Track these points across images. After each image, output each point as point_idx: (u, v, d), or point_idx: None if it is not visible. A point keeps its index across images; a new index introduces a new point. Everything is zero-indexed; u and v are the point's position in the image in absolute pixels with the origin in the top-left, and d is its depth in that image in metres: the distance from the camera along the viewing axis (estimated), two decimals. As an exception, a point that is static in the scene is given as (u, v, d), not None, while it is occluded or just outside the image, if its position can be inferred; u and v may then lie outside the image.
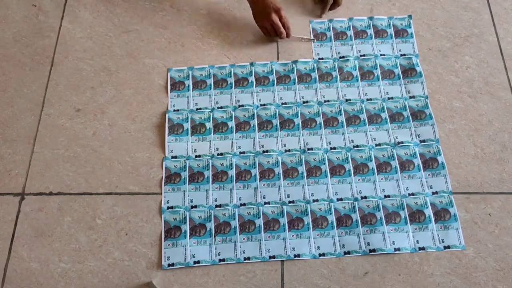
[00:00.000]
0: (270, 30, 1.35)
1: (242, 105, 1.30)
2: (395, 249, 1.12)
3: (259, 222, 1.15)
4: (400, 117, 1.28)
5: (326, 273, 1.10)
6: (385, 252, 1.11)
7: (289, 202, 1.17)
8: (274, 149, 1.24)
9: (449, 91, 1.32)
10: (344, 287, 1.09)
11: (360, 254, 1.12)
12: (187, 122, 1.28)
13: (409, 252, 1.12)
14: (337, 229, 1.14)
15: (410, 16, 1.44)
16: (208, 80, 1.34)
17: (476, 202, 1.18)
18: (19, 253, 1.12)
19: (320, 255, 1.12)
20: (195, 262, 1.11)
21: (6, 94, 1.32)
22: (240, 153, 1.24)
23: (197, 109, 1.30)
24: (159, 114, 1.30)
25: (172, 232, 1.14)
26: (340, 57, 1.37)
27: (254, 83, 1.33)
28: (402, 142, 1.25)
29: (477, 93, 1.32)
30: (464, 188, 1.19)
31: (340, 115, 1.29)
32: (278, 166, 1.22)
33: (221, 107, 1.30)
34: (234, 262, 1.11)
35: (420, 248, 1.12)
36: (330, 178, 1.20)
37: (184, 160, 1.23)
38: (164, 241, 1.13)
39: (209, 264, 1.11)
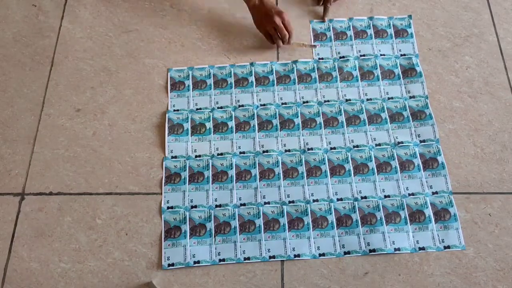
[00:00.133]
0: (273, 34, 1.34)
1: (242, 105, 1.30)
2: (395, 249, 1.12)
3: (259, 222, 1.15)
4: (400, 117, 1.28)
5: (326, 273, 1.10)
6: (385, 252, 1.11)
7: (289, 202, 1.17)
8: (274, 149, 1.24)
9: (449, 91, 1.32)
10: (344, 287, 1.09)
11: (360, 254, 1.12)
12: (187, 122, 1.28)
13: (409, 252, 1.12)
14: (337, 229, 1.14)
15: (410, 16, 1.44)
16: (208, 80, 1.34)
17: (476, 202, 1.18)
18: (19, 253, 1.12)
19: (320, 255, 1.12)
20: (195, 262, 1.11)
21: (6, 94, 1.32)
22: (240, 153, 1.24)
23: (197, 109, 1.30)
24: (159, 114, 1.30)
25: (172, 232, 1.14)
26: (340, 57, 1.37)
27: (254, 83, 1.33)
28: (402, 142, 1.25)
29: (477, 93, 1.32)
30: (464, 188, 1.19)
31: (340, 115, 1.29)
32: (278, 166, 1.22)
33: (221, 107, 1.30)
34: (234, 262, 1.11)
35: (420, 248, 1.12)
36: (330, 178, 1.20)
37: (184, 160, 1.23)
38: (164, 241, 1.13)
39: (209, 264, 1.11)
